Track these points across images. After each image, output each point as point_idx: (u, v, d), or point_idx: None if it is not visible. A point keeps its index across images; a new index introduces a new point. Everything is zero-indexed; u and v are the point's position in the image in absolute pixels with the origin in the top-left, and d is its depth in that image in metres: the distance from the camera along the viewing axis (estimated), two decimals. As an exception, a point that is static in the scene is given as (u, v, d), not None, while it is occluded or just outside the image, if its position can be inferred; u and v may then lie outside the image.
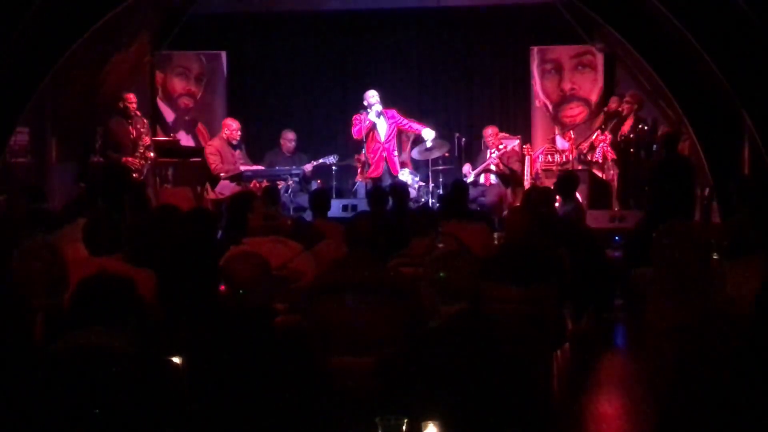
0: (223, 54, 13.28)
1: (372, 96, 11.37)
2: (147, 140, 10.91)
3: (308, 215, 8.86)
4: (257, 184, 10.95)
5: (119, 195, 8.29)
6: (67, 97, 11.47)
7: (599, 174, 11.48)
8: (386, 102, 11.55)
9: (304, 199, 10.33)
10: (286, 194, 10.92)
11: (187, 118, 13.21)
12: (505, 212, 10.25)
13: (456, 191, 8.04)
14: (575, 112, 12.66)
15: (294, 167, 11.41)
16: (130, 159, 10.63)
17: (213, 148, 11.33)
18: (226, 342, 3.55)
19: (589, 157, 11.68)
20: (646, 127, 11.29)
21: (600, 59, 12.56)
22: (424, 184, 11.50)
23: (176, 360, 3.66)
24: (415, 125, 11.64)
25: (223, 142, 11.37)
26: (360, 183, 11.55)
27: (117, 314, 3.40)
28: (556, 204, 8.23)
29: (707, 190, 10.20)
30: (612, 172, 11.45)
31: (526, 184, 11.17)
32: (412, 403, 3.24)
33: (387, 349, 3.86)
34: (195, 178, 11.40)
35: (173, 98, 13.19)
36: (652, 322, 4.37)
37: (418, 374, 3.46)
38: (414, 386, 3.42)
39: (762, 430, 3.37)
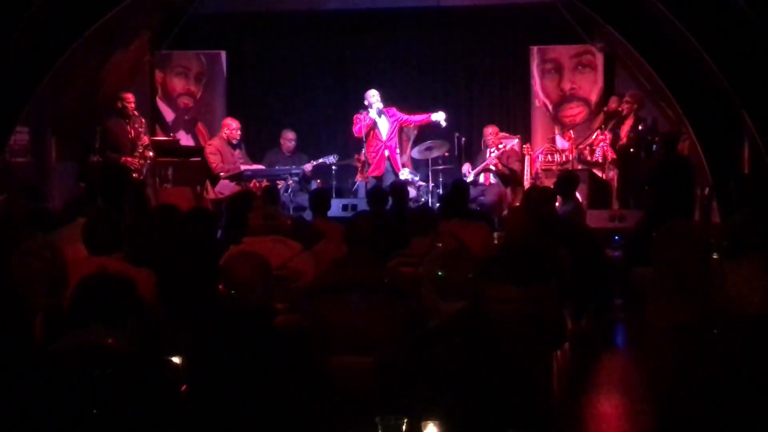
0: (223, 54, 13.28)
1: (372, 95, 11.38)
2: (146, 140, 10.90)
3: (308, 215, 8.85)
4: (257, 184, 10.95)
5: (119, 195, 8.29)
6: (67, 97, 11.47)
7: (599, 174, 11.48)
8: (386, 101, 11.54)
9: (303, 199, 10.33)
10: (285, 194, 10.92)
11: (186, 117, 13.21)
12: (505, 212, 10.26)
13: (456, 191, 8.04)
14: (575, 111, 12.66)
15: (294, 167, 11.41)
16: (129, 159, 10.62)
17: (213, 148, 11.33)
18: (226, 342, 3.55)
19: (588, 157, 11.67)
20: (645, 127, 11.28)
21: (600, 59, 12.56)
22: (424, 183, 11.50)
23: (176, 360, 3.66)
24: (419, 116, 11.64)
25: (223, 141, 11.38)
26: (360, 182, 11.55)
27: (117, 314, 3.40)
28: (556, 204, 8.22)
29: (707, 190, 10.20)
30: (612, 171, 11.44)
31: (526, 183, 11.16)
32: (412, 403, 3.24)
33: (387, 348, 3.85)
34: (195, 178, 11.40)
35: (173, 98, 13.19)
36: (652, 322, 4.37)
37: (418, 374, 3.46)
38: (414, 386, 3.42)
39: (762, 430, 3.37)
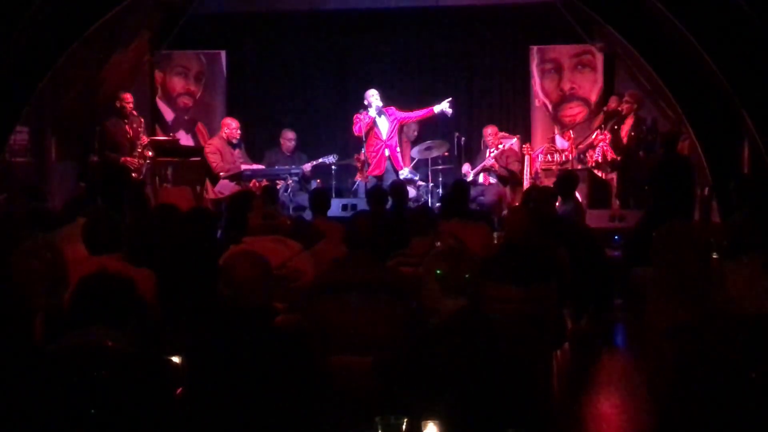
0: (223, 53, 13.28)
1: (372, 95, 11.38)
2: (144, 139, 10.90)
3: (308, 215, 8.85)
4: (257, 184, 10.96)
5: (119, 194, 8.30)
6: (66, 97, 11.47)
7: (599, 173, 11.48)
8: (386, 101, 11.54)
9: (303, 199, 10.34)
10: (285, 193, 10.93)
11: (186, 117, 13.21)
12: (505, 212, 10.26)
13: (457, 191, 8.04)
14: (575, 111, 12.66)
15: (293, 166, 11.41)
16: (129, 159, 10.62)
17: (213, 147, 11.33)
18: (226, 341, 3.55)
19: (588, 157, 11.67)
20: (645, 127, 11.28)
21: (600, 59, 12.56)
22: (424, 183, 11.51)
23: (176, 359, 3.66)
24: (420, 111, 11.64)
25: (223, 141, 11.38)
26: (360, 182, 11.55)
27: (117, 314, 3.40)
28: (556, 203, 8.22)
29: (707, 190, 10.20)
30: (611, 171, 11.44)
31: (526, 183, 11.16)
32: (412, 402, 3.24)
33: (387, 348, 3.85)
34: (194, 178, 11.40)
35: (173, 97, 13.19)
36: (652, 322, 4.37)
37: (418, 374, 3.45)
38: (414, 386, 3.42)
39: (762, 430, 3.36)
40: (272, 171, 11.47)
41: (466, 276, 3.71)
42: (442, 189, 11.35)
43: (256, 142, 12.82)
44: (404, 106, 11.86)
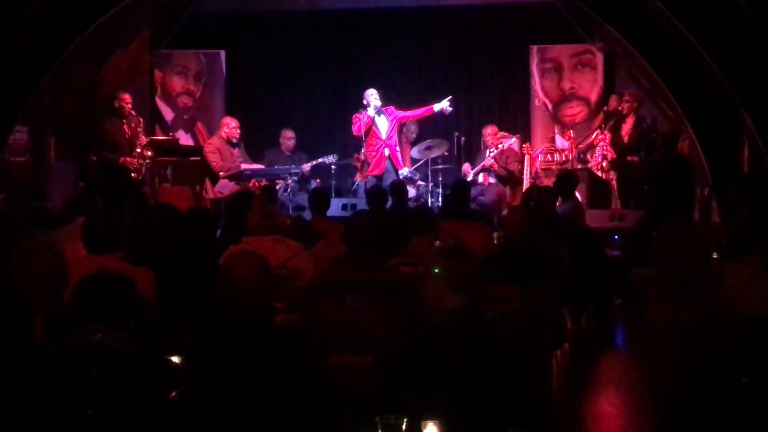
0: (222, 53, 13.28)
1: (371, 94, 11.38)
2: (144, 139, 10.90)
3: (307, 214, 8.85)
4: (256, 183, 10.96)
5: (118, 194, 8.29)
6: (66, 96, 11.46)
7: (598, 173, 11.48)
8: (385, 101, 11.55)
9: (303, 198, 10.34)
10: (285, 193, 10.93)
11: (186, 117, 13.20)
12: (504, 211, 10.26)
13: (457, 191, 8.03)
14: (575, 111, 12.66)
15: (293, 166, 11.42)
16: (128, 159, 10.62)
17: (213, 147, 11.34)
18: (226, 341, 3.55)
19: (588, 156, 11.67)
20: (646, 126, 11.27)
21: (600, 58, 12.56)
22: (424, 183, 11.51)
23: (175, 359, 3.66)
24: (419, 109, 11.65)
25: (222, 140, 11.39)
26: (359, 182, 11.55)
27: (116, 313, 3.40)
28: (556, 203, 8.22)
29: (706, 190, 10.20)
30: (611, 171, 11.43)
31: (526, 183, 11.16)
32: (411, 402, 3.24)
33: (386, 348, 3.85)
34: (194, 178, 11.40)
35: (172, 97, 13.19)
36: (652, 322, 4.36)
37: (418, 374, 3.45)
38: (414, 386, 3.42)
39: (762, 430, 3.36)
40: (272, 171, 11.47)
41: (465, 273, 3.71)
42: (442, 189, 11.36)
43: (255, 142, 12.80)
44: (404, 105, 11.86)
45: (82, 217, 5.78)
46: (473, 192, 10.87)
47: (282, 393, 3.43)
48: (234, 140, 11.46)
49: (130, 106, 10.83)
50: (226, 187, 11.01)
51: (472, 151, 12.20)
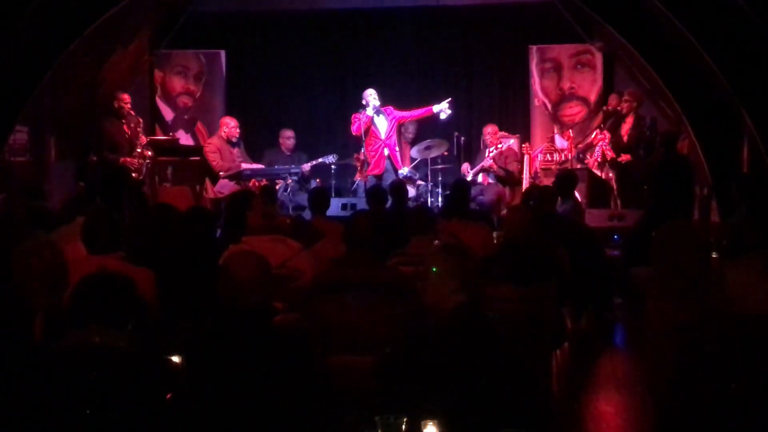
0: (222, 53, 13.27)
1: (370, 94, 11.38)
2: (143, 139, 10.90)
3: (307, 214, 8.85)
4: (256, 183, 10.96)
5: (118, 194, 8.30)
6: (66, 96, 11.47)
7: (598, 173, 11.48)
8: (385, 101, 11.55)
9: (303, 198, 10.34)
10: (285, 193, 10.93)
11: (186, 117, 13.20)
12: (504, 211, 10.26)
13: (457, 191, 8.04)
14: (574, 111, 12.66)
15: (293, 166, 11.42)
16: (128, 159, 10.62)
17: (213, 146, 11.35)
18: (225, 341, 3.55)
19: (587, 156, 11.67)
20: (645, 126, 11.27)
21: (599, 58, 12.55)
22: (423, 182, 11.51)
23: (175, 359, 3.66)
24: (419, 110, 11.66)
25: (222, 140, 11.39)
26: (359, 182, 11.55)
27: (116, 313, 3.40)
28: (556, 203, 8.22)
29: (706, 190, 10.20)
30: (611, 171, 11.43)
31: (525, 183, 11.16)
32: (411, 402, 3.24)
33: (386, 348, 3.85)
34: (194, 177, 11.40)
35: (172, 97, 13.18)
36: (652, 322, 4.36)
37: (418, 374, 3.45)
38: (414, 385, 3.42)
39: (762, 430, 3.37)
40: (272, 170, 11.47)
41: (464, 271, 3.71)
42: (442, 188, 11.36)
43: (255, 142, 12.80)
44: (404, 105, 11.86)
45: (82, 216, 5.78)
46: (473, 192, 10.87)
47: (282, 393, 3.43)
48: (234, 140, 11.46)
49: (129, 106, 10.83)
50: (226, 186, 11.01)
51: (472, 151, 12.20)
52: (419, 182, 11.51)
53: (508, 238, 5.99)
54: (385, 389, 3.55)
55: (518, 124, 12.94)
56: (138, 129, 10.86)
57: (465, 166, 11.76)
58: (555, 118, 12.68)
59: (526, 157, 11.41)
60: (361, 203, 10.03)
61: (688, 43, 9.54)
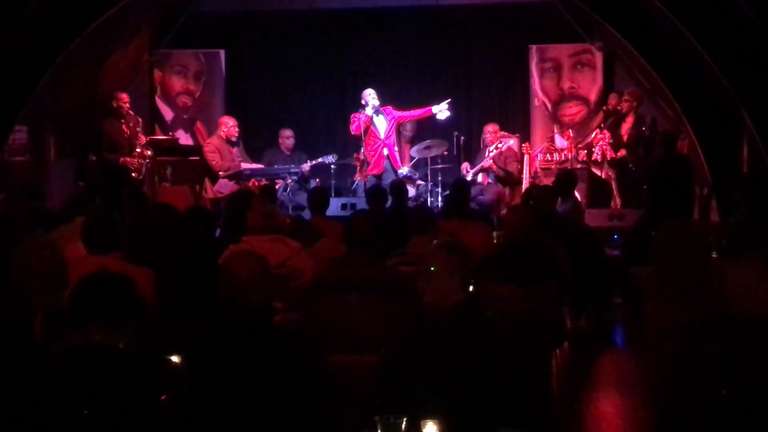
0: (222, 52, 13.27)
1: (369, 94, 11.38)
2: (143, 139, 10.90)
3: (307, 214, 8.85)
4: (256, 183, 10.96)
5: (118, 194, 8.30)
6: (65, 96, 11.46)
7: (598, 172, 11.48)
8: (385, 100, 11.55)
9: (302, 198, 10.33)
10: (284, 193, 10.93)
11: (185, 116, 13.19)
12: (504, 211, 10.25)
13: (457, 190, 8.03)
14: (574, 110, 12.65)
15: (292, 166, 11.42)
16: (128, 159, 10.61)
17: (212, 146, 11.35)
18: (225, 340, 3.55)
19: (587, 156, 11.66)
20: (645, 126, 11.27)
21: (599, 58, 12.55)
22: (423, 182, 11.50)
23: (175, 359, 3.66)
24: (418, 110, 11.67)
25: (221, 139, 11.39)
26: (359, 181, 11.55)
27: (116, 313, 3.40)
28: (557, 203, 8.22)
29: (706, 189, 10.19)
30: (611, 170, 11.43)
31: (525, 183, 11.16)
32: (411, 402, 3.24)
33: (386, 347, 3.85)
34: (194, 177, 11.39)
35: (172, 97, 13.18)
36: (651, 321, 4.37)
37: (418, 374, 3.45)
38: (414, 385, 3.42)
39: (761, 429, 3.37)
40: (271, 170, 11.47)
41: (462, 268, 3.71)
42: (442, 188, 11.35)
43: (255, 142, 12.81)
44: (403, 105, 11.86)
45: (81, 216, 5.78)
46: (473, 191, 10.87)
47: (282, 392, 3.43)
48: (233, 139, 11.46)
49: (128, 105, 10.82)
50: (225, 186, 11.01)
51: (472, 151, 12.19)
52: (419, 182, 11.50)
53: (508, 238, 5.98)
54: (385, 389, 3.55)
55: (518, 123, 12.93)
56: (137, 129, 10.85)
57: (465, 165, 11.75)
58: (555, 117, 12.68)
59: (526, 157, 11.41)
60: (361, 203, 10.02)
61: (688, 43, 9.54)
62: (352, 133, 11.45)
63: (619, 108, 11.41)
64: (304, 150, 12.12)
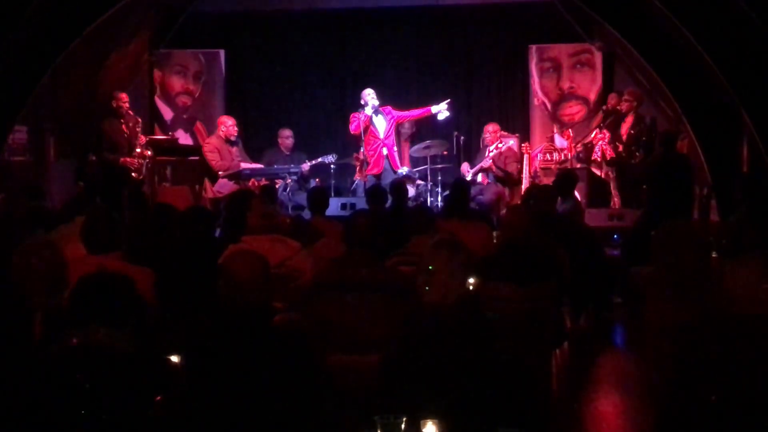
0: (222, 52, 13.27)
1: (368, 94, 11.37)
2: (143, 139, 10.90)
3: (307, 214, 8.84)
4: (255, 183, 10.96)
5: (118, 194, 8.29)
6: (65, 96, 11.46)
7: (598, 172, 11.48)
8: (385, 100, 11.55)
9: (302, 198, 10.33)
10: (284, 192, 10.93)
11: (185, 116, 13.19)
12: (503, 211, 10.25)
13: (457, 190, 8.03)
14: (574, 110, 12.66)
15: (292, 165, 11.41)
16: (128, 159, 10.61)
17: (211, 146, 11.34)
18: (225, 340, 3.55)
19: (587, 156, 11.66)
20: (645, 126, 11.26)
21: (599, 58, 12.55)
22: (423, 182, 11.50)
23: (175, 359, 3.66)
24: (417, 110, 11.67)
25: (221, 139, 11.39)
26: (358, 181, 11.55)
27: (116, 313, 3.40)
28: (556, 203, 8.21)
29: (705, 189, 10.19)
30: (610, 170, 11.43)
31: (525, 182, 11.16)
32: (411, 402, 3.24)
33: (386, 347, 3.85)
34: (193, 177, 11.40)
35: (171, 97, 13.18)
36: (651, 321, 4.37)
37: (418, 373, 3.45)
38: (414, 385, 3.42)
39: (761, 429, 3.37)
40: (271, 170, 11.47)
41: (460, 266, 3.71)
42: (441, 188, 11.35)
43: (255, 142, 12.81)
44: (403, 105, 11.86)
45: (81, 216, 5.78)
46: (473, 191, 10.86)
47: (281, 392, 3.43)
48: (232, 138, 11.45)
49: (127, 105, 10.82)
50: (225, 186, 11.01)
51: (472, 151, 12.19)
52: (419, 182, 11.50)
53: (508, 238, 5.98)
54: (384, 389, 3.55)
55: (518, 123, 12.93)
56: (137, 128, 10.85)
57: (464, 165, 11.75)
58: (554, 117, 12.68)
59: (525, 157, 11.41)
60: (361, 203, 10.02)
61: (688, 43, 9.53)
62: (352, 132, 11.44)
63: (618, 108, 11.40)
64: (303, 150, 12.11)
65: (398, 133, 11.91)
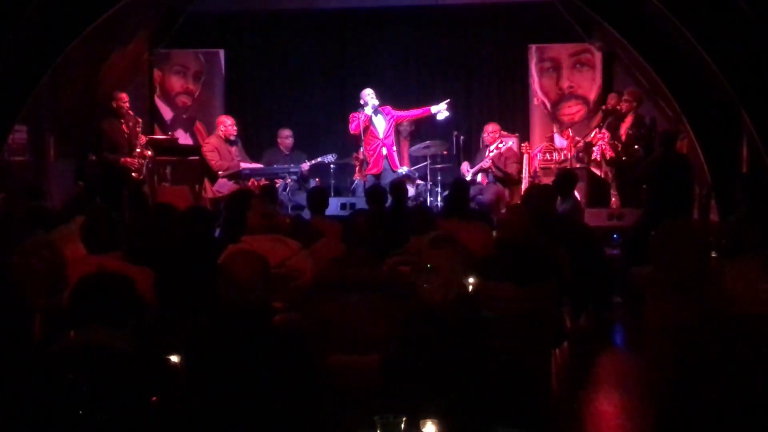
0: (221, 52, 13.27)
1: (368, 94, 11.37)
2: (143, 138, 10.89)
3: (306, 213, 8.84)
4: (255, 183, 10.96)
5: (118, 194, 8.30)
6: (65, 95, 11.46)
7: (597, 172, 11.48)
8: (384, 100, 11.55)
9: (302, 198, 10.33)
10: (284, 192, 10.93)
11: (185, 116, 13.19)
12: (503, 210, 10.24)
13: (457, 190, 8.03)
14: (573, 110, 12.66)
15: (292, 165, 11.41)
16: (129, 159, 10.60)
17: (211, 146, 11.34)
18: (225, 340, 3.55)
19: (587, 156, 11.66)
20: (645, 125, 11.26)
21: (598, 57, 12.56)
22: (423, 182, 11.50)
23: (174, 358, 3.66)
24: (417, 110, 11.67)
25: (220, 139, 11.39)
26: (358, 181, 11.55)
27: (116, 313, 3.40)
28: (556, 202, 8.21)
29: (705, 189, 10.19)
30: (610, 170, 11.43)
31: (525, 182, 11.16)
32: (411, 401, 3.24)
33: (386, 347, 3.85)
34: (193, 177, 11.40)
35: (171, 96, 13.18)
36: (651, 321, 4.37)
37: (418, 373, 3.45)
38: (413, 385, 3.42)
39: (761, 429, 3.37)
40: (271, 170, 11.47)
41: (459, 264, 3.71)
42: (441, 188, 11.35)
43: (254, 141, 12.82)
44: (403, 105, 11.86)
45: (81, 216, 5.78)
46: (472, 191, 10.86)
47: (281, 392, 3.43)
48: (231, 138, 11.45)
49: (127, 105, 10.81)
50: (225, 186, 11.01)
51: (471, 150, 12.19)
52: (418, 181, 11.50)
53: (507, 238, 5.98)
54: (384, 388, 3.55)
55: (517, 123, 12.93)
56: (137, 128, 10.84)
57: (464, 165, 11.75)
58: (554, 117, 12.68)
59: (525, 157, 11.41)
60: (361, 202, 10.02)
61: (688, 43, 9.53)
62: (351, 132, 11.44)
63: (618, 108, 11.40)
64: (303, 149, 12.11)
65: (398, 133, 11.91)
